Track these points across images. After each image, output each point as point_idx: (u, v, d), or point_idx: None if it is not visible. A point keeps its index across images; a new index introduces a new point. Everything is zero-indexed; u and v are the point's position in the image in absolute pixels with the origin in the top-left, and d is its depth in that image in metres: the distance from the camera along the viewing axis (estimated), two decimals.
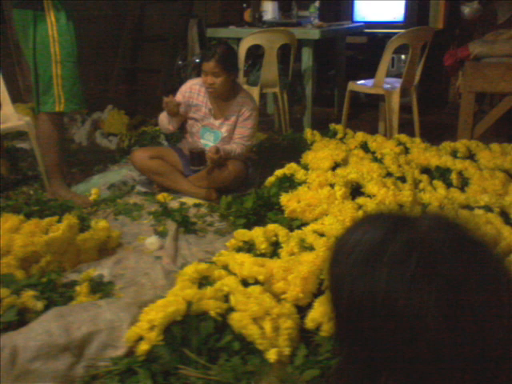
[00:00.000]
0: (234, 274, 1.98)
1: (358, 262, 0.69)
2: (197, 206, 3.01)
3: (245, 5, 4.88)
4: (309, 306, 1.85)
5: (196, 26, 5.40)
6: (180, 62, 5.47)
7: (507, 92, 3.59)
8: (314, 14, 4.54)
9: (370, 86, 4.05)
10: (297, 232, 2.31)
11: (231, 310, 1.79)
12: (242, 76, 4.04)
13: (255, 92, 3.92)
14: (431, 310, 0.63)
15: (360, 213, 2.40)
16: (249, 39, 3.92)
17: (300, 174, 2.89)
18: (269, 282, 1.93)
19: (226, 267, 2.05)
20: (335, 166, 3.04)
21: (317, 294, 1.89)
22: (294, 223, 2.52)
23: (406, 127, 4.01)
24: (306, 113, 4.38)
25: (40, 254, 2.23)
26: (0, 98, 3.22)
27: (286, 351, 1.68)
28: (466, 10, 4.64)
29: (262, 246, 2.22)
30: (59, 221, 2.43)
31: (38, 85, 2.90)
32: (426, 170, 3.08)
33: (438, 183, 2.87)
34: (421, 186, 2.85)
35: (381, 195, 2.58)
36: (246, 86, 3.77)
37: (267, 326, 1.70)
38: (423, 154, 3.21)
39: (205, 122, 3.17)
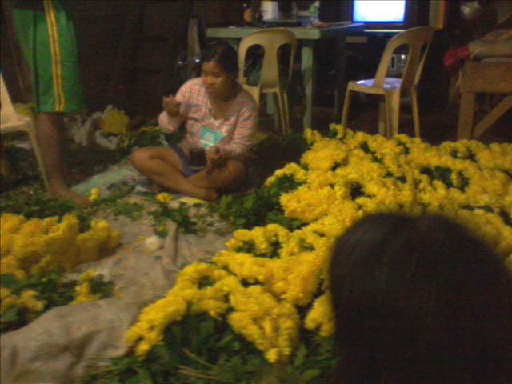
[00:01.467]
0: (234, 274, 1.98)
1: (358, 262, 0.69)
2: (197, 206, 3.01)
3: (245, 5, 4.88)
4: (309, 305, 1.85)
5: (196, 26, 5.40)
6: (180, 62, 5.47)
7: (507, 92, 3.59)
8: (314, 14, 4.54)
9: (370, 86, 4.05)
10: (297, 232, 2.31)
11: (231, 310, 1.79)
12: (242, 76, 4.04)
13: (255, 92, 3.92)
14: (431, 309, 0.63)
15: (360, 213, 2.40)
16: (249, 39, 3.92)
17: (300, 174, 2.89)
18: (269, 281, 1.93)
19: (226, 267, 2.05)
20: (335, 166, 3.04)
21: (317, 294, 1.89)
22: (294, 223, 2.52)
23: (406, 127, 4.01)
24: (306, 113, 4.38)
25: (40, 254, 2.23)
26: (0, 98, 3.22)
27: (286, 351, 1.68)
28: (466, 10, 4.64)
29: (262, 246, 2.22)
30: (59, 221, 2.43)
31: (38, 85, 2.90)
32: (426, 170, 3.08)
33: (438, 183, 2.87)
34: (421, 186, 2.85)
35: (381, 195, 2.58)
36: (246, 86, 3.77)
37: (267, 326, 1.70)
38: (423, 153, 3.21)
39: (205, 122, 3.17)
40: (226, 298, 1.84)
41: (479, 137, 3.64)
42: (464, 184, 2.91)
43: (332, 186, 2.67)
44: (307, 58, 4.24)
